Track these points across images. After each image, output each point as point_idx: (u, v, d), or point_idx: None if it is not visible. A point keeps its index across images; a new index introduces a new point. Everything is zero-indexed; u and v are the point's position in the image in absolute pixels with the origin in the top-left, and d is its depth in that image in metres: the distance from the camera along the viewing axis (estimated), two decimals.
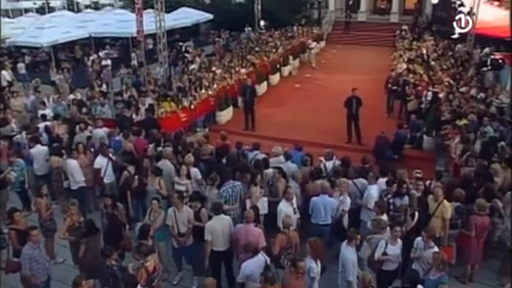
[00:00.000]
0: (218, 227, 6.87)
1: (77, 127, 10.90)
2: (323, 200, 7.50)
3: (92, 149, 9.94)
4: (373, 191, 7.76)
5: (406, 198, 7.89)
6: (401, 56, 19.17)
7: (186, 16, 23.37)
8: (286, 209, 7.38)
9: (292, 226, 7.20)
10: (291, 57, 22.35)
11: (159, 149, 9.67)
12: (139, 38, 14.64)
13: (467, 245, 7.61)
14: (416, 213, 7.51)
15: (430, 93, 14.12)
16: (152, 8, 17.19)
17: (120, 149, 10.05)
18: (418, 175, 8.67)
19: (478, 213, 7.44)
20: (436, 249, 6.45)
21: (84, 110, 12.52)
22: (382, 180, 8.16)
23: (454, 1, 25.76)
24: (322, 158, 9.45)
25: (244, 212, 6.77)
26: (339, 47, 28.45)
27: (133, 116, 11.79)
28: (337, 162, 9.08)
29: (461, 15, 24.54)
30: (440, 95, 13.75)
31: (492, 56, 13.75)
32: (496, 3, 22.80)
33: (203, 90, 14.29)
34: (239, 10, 27.82)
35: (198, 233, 7.17)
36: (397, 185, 7.89)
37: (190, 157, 8.54)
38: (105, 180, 9.21)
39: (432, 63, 17.78)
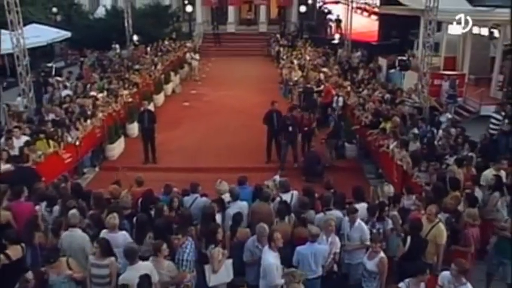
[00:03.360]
0: (135, 280, 5.03)
1: None
2: (312, 249, 5.83)
3: None
4: (365, 226, 6.36)
5: (390, 221, 6.72)
6: (292, 63, 18.59)
7: (39, 34, 19.36)
8: (275, 260, 5.65)
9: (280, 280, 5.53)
10: (172, 74, 20.27)
11: (55, 208, 6.86)
12: None
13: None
14: (409, 237, 6.33)
15: (340, 99, 13.58)
16: None
17: None
18: (387, 189, 7.57)
19: (472, 224, 6.60)
20: (470, 286, 5.26)
21: None
22: (359, 206, 6.84)
23: (322, 10, 26.87)
24: (268, 184, 7.79)
25: None
26: (213, 59, 27.16)
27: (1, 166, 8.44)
28: (296, 193, 7.48)
29: (331, 23, 25.79)
30: (353, 100, 13.29)
31: (400, 58, 13.80)
32: (359, 11, 24.19)
33: (88, 121, 11.38)
34: (101, 26, 24.58)
35: None
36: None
37: (114, 218, 6.01)
38: None
39: (324, 69, 17.54)
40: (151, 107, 15.93)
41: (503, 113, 11.55)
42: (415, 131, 10.39)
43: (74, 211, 6.21)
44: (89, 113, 11.88)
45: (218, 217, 6.76)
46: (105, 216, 6.56)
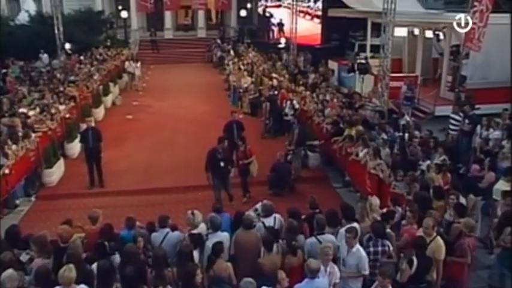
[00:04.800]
0: None
1: None
2: (312, 286, 5.04)
3: None
4: (364, 253, 5.68)
5: (387, 242, 6.09)
6: (240, 69, 17.84)
7: None
8: None
9: None
10: (111, 84, 18.69)
11: None
12: None
13: (461, 274, 6.27)
14: (415, 258, 5.75)
15: (295, 103, 13.01)
16: None
17: None
18: (375, 202, 6.94)
19: (468, 234, 6.21)
20: None
21: None
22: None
23: (264, 14, 26.44)
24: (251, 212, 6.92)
25: None
26: (153, 67, 25.83)
27: None
28: (278, 217, 6.68)
29: (274, 27, 25.44)
30: (311, 106, 12.77)
31: (358, 61, 13.51)
32: (302, 14, 24.06)
33: (19, 144, 9.80)
34: (25, 33, 22.16)
35: None
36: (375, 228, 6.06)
37: (70, 270, 4.80)
38: None
39: (274, 74, 16.98)
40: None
41: (461, 114, 11.56)
42: (384, 136, 10.03)
43: (10, 271, 4.84)
44: (19, 134, 10.26)
45: (195, 253, 5.78)
46: (52, 266, 5.37)
